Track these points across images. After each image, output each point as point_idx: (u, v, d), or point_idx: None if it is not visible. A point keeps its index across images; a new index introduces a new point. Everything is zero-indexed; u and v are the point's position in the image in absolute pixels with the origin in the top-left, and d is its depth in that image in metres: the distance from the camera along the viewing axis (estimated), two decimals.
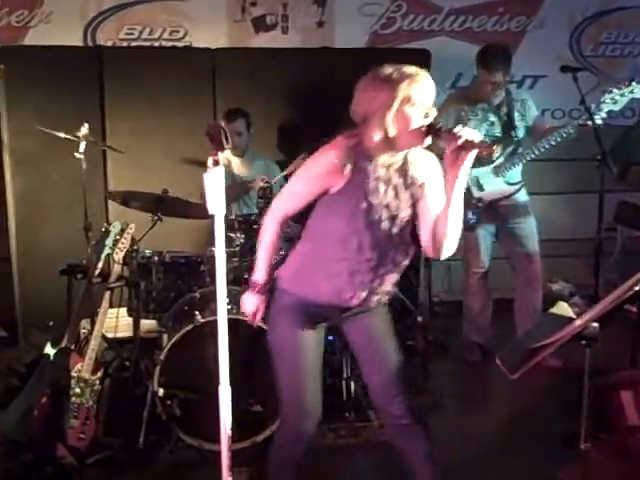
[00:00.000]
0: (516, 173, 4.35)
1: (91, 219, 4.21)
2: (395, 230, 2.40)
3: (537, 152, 4.19)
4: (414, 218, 2.44)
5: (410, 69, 2.27)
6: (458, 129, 2.15)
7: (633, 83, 3.99)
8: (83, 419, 3.36)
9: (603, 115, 3.94)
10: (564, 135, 4.07)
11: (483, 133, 4.29)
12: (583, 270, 5.10)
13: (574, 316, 2.12)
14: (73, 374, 3.38)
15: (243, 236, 3.85)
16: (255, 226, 3.82)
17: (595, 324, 1.98)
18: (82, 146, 4.06)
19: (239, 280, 3.80)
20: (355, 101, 2.35)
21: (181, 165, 4.92)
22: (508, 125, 4.30)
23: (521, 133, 4.36)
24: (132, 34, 5.24)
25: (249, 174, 4.64)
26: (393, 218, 2.38)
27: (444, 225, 2.31)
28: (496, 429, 3.79)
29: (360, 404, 3.85)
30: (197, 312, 3.52)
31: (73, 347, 3.46)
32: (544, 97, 5.44)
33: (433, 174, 2.43)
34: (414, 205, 2.42)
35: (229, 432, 2.03)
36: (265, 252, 2.52)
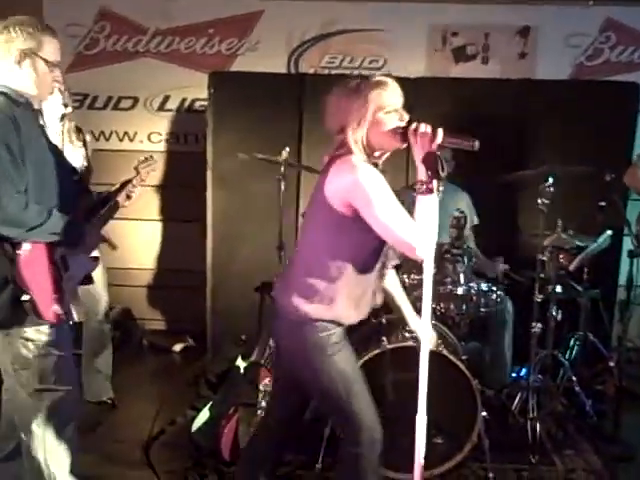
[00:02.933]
0: None
1: (284, 239, 4.34)
2: None
3: None
4: None
5: (376, 77, 2.42)
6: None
7: None
8: None
9: None
10: None
11: None
12: None
13: None
14: (261, 388, 3.49)
15: (434, 265, 3.80)
16: (447, 256, 3.79)
17: None
18: (282, 169, 4.19)
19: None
20: (329, 115, 2.47)
21: None
22: None
23: None
24: (333, 62, 5.41)
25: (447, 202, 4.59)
26: None
27: None
28: None
29: (545, 447, 3.69)
30: (384, 337, 3.52)
31: (262, 362, 3.57)
32: None
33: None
34: None
35: (422, 461, 1.99)
36: None
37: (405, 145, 2.35)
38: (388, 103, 2.37)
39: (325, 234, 2.48)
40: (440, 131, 2.23)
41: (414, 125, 2.26)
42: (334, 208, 2.39)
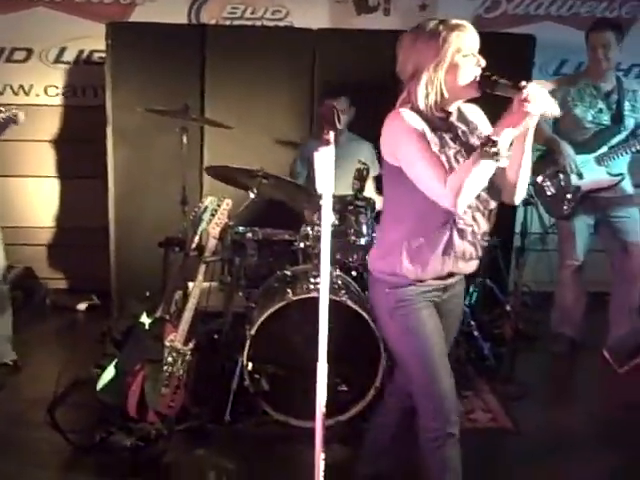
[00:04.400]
0: (620, 163, 4.21)
1: (187, 194, 4.30)
2: None
3: None
4: None
5: (453, 20, 2.27)
6: (523, 83, 2.13)
7: None
8: (174, 388, 3.45)
9: None
10: None
11: (589, 119, 4.19)
12: None
13: None
14: (166, 344, 3.47)
15: (337, 217, 3.83)
16: (350, 207, 3.82)
17: None
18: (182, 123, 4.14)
19: (330, 261, 3.80)
20: (401, 59, 2.34)
21: (277, 144, 4.96)
22: (617, 114, 4.16)
23: (630, 124, 4.22)
24: (235, 13, 5.31)
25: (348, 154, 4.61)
26: None
27: (516, 172, 2.32)
28: (583, 421, 3.72)
29: None
30: (289, 289, 3.56)
31: (167, 317, 3.55)
32: None
33: (484, 122, 2.45)
34: None
35: (324, 409, 2.04)
36: None
37: (479, 94, 2.28)
38: (467, 46, 2.24)
39: (388, 188, 2.45)
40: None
41: (525, 83, 2.13)
42: (387, 160, 2.36)
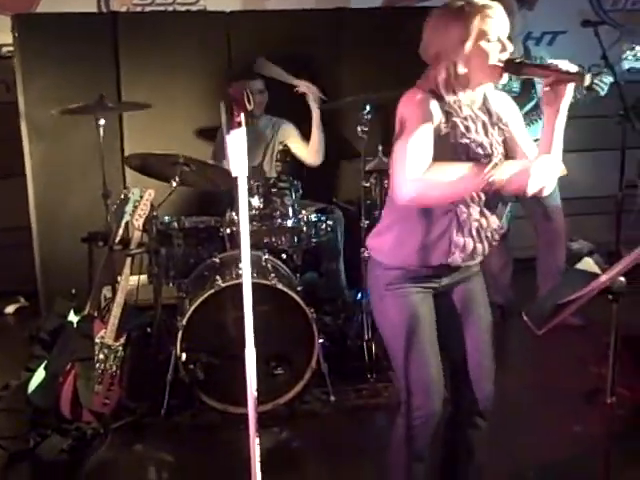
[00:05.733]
0: (534, 130, 4.28)
1: (109, 186, 4.21)
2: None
3: None
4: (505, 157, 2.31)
5: (482, 1, 2.15)
6: (551, 62, 2.09)
7: None
8: (107, 385, 3.40)
9: (625, 68, 3.91)
10: (583, 93, 4.02)
11: (499, 88, 4.24)
12: (603, 228, 5.07)
13: (599, 272, 2.09)
14: (96, 341, 3.42)
15: (262, 200, 3.82)
16: (274, 190, 3.81)
17: (622, 279, 1.95)
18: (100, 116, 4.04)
19: (258, 244, 3.81)
20: (425, 39, 2.22)
21: (198, 130, 4.89)
22: (527, 82, 4.23)
23: (540, 91, 4.30)
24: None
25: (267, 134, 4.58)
26: (488, 156, 2.23)
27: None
28: (518, 386, 3.79)
29: (381, 365, 3.85)
30: (218, 277, 3.53)
31: (96, 314, 3.49)
32: (564, 53, 5.15)
33: (513, 112, 2.35)
34: (504, 142, 2.30)
35: (255, 394, 2.03)
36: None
37: (502, 79, 2.19)
38: (493, 30, 2.12)
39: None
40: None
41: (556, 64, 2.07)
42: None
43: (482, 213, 2.26)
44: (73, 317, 3.45)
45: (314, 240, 4.00)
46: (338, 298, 4.52)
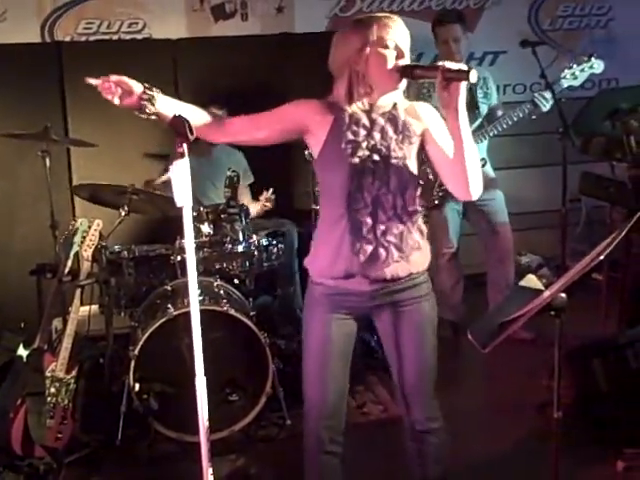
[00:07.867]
0: (480, 149, 4.37)
1: (58, 217, 4.16)
2: (389, 173, 2.29)
3: (500, 128, 4.24)
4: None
5: (381, 14, 2.31)
6: (440, 63, 2.17)
7: (592, 59, 4.10)
8: (60, 419, 3.35)
9: (564, 86, 4.04)
10: (526, 111, 4.14)
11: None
12: (550, 242, 5.18)
13: (543, 288, 2.14)
14: (47, 374, 3.37)
15: (212, 227, 3.82)
16: (223, 216, 3.81)
17: (563, 295, 2.00)
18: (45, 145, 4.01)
19: (210, 271, 3.80)
20: (331, 52, 2.35)
21: (147, 159, 4.87)
22: (471, 102, 4.31)
23: (484, 110, 4.40)
24: (90, 28, 5.15)
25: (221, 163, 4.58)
26: (385, 160, 2.28)
27: (462, 165, 2.25)
28: (471, 402, 3.84)
29: None
30: (170, 305, 3.51)
31: (46, 347, 3.44)
32: (505, 73, 5.48)
33: (434, 119, 2.40)
34: (419, 149, 2.37)
35: (207, 423, 2.02)
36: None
37: (399, 87, 2.29)
38: (389, 37, 2.24)
39: None
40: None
41: (443, 63, 2.15)
42: None
43: (372, 214, 2.28)
44: (22, 351, 3.39)
45: (266, 264, 4.00)
46: (293, 321, 4.51)
